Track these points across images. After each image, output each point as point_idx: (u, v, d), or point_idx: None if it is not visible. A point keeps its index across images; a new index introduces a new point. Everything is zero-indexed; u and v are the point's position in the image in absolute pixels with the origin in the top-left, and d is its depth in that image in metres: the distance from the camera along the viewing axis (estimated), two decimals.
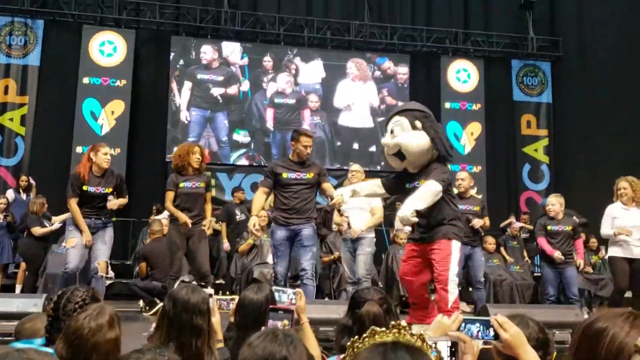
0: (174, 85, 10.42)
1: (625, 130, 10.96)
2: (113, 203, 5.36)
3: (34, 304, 3.47)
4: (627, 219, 5.97)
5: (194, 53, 10.61)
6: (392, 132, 4.52)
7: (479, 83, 11.51)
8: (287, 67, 10.93)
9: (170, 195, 5.53)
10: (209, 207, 5.69)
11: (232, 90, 10.70)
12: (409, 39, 11.45)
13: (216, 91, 10.62)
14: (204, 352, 2.25)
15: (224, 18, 10.66)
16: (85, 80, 10.02)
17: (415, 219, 4.11)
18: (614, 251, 6.04)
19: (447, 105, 11.27)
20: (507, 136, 11.74)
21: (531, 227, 9.47)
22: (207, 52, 10.65)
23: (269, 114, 10.75)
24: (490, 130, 11.50)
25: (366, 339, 0.90)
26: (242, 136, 10.64)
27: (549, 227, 6.43)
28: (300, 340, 1.88)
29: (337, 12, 11.29)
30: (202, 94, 10.56)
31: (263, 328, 2.42)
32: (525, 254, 9.03)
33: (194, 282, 5.28)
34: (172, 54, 10.50)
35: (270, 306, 2.50)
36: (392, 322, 0.91)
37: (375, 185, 4.85)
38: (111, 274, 5.52)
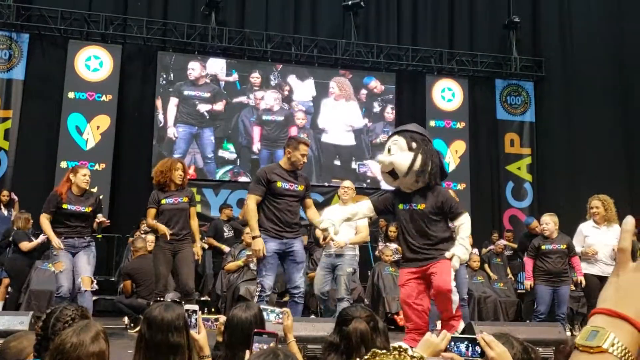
0: (158, 102, 10.43)
1: (607, 149, 11.20)
2: (103, 220, 5.39)
3: (20, 322, 3.45)
4: (597, 237, 6.10)
5: (179, 69, 10.64)
6: (389, 150, 4.59)
7: (464, 102, 11.68)
8: (279, 85, 11.00)
9: (151, 212, 5.49)
10: (195, 223, 5.64)
11: (219, 106, 10.74)
12: (394, 57, 11.60)
13: (202, 107, 10.65)
14: None
15: (211, 35, 10.73)
16: (71, 94, 10.01)
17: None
18: (585, 268, 6.16)
19: (432, 123, 11.40)
20: (491, 154, 11.90)
21: (515, 245, 9.57)
22: (195, 68, 10.70)
23: (256, 131, 10.80)
24: (474, 148, 11.65)
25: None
26: (228, 152, 10.67)
27: (543, 247, 6.41)
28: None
29: (324, 31, 11.42)
30: (189, 110, 10.58)
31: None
32: (508, 270, 9.14)
33: (171, 300, 5.27)
34: (158, 70, 10.53)
35: (255, 330, 2.52)
36: (393, 345, 0.94)
37: (367, 209, 4.82)
38: (95, 286, 5.50)
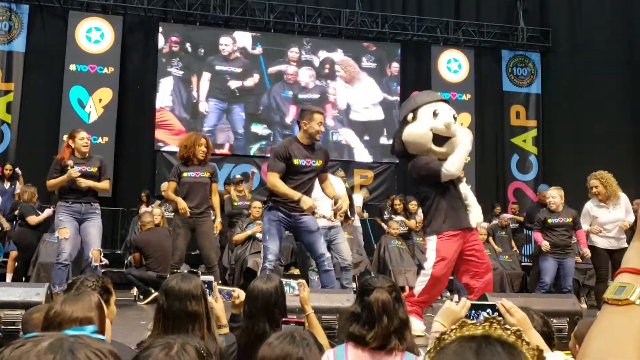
0: (193, 78, 10.43)
1: (613, 121, 11.14)
2: (90, 182, 5.36)
3: (36, 293, 3.51)
4: (607, 217, 6.16)
5: (210, 44, 10.70)
6: (455, 118, 4.74)
7: (469, 73, 11.62)
8: (310, 61, 11.09)
9: (172, 185, 5.60)
10: (216, 199, 5.71)
11: (249, 82, 10.79)
12: (399, 27, 11.51)
13: (233, 84, 10.72)
14: (203, 336, 2.29)
15: (212, 5, 10.63)
16: (72, 67, 9.96)
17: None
18: (594, 241, 6.23)
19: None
20: (496, 127, 11.89)
21: (520, 218, 9.62)
22: (228, 44, 10.76)
23: (292, 110, 10.87)
24: (479, 120, 11.63)
25: (453, 331, 0.86)
26: (261, 129, 10.70)
27: (549, 221, 6.52)
28: (315, 343, 1.98)
29: (328, 0, 11.31)
30: (220, 86, 10.66)
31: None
32: (513, 243, 9.21)
33: (188, 271, 5.34)
34: (160, 41, 10.45)
35: (283, 319, 2.58)
36: (485, 315, 0.93)
37: None
38: (105, 261, 5.56)
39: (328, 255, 4.85)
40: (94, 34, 10.10)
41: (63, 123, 9.71)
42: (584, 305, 6.98)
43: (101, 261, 5.46)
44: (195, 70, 10.60)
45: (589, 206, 6.35)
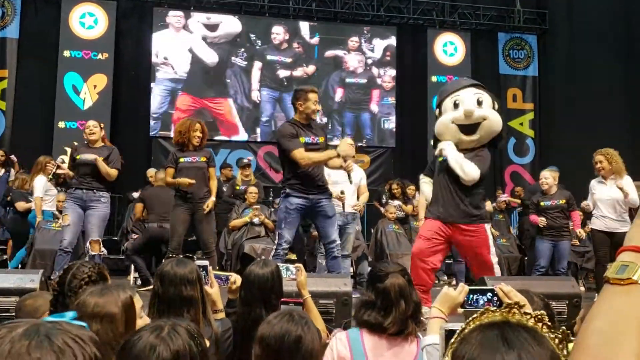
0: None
1: (611, 103, 11.09)
2: (99, 161, 5.37)
3: (30, 280, 3.46)
4: (601, 192, 6.13)
5: (263, 33, 10.79)
6: (480, 102, 4.49)
7: (466, 56, 11.54)
8: (361, 48, 11.24)
9: (170, 171, 5.55)
10: (213, 184, 5.65)
11: (298, 72, 10.91)
12: (395, 10, 11.40)
13: (282, 73, 10.83)
14: (198, 321, 2.27)
15: None
16: (66, 53, 9.85)
17: (443, 154, 4.37)
18: (594, 224, 6.22)
19: (434, 78, 11.29)
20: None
21: (518, 201, 9.58)
22: (279, 32, 10.84)
23: (339, 93, 11.05)
24: None
25: (473, 320, 0.86)
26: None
27: (542, 204, 6.59)
28: (313, 322, 1.97)
29: None
30: (271, 75, 10.78)
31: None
32: (510, 226, 9.19)
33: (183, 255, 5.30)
34: (154, 25, 10.33)
35: (282, 299, 2.55)
36: (507, 301, 0.91)
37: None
38: (104, 251, 5.52)
39: (339, 242, 4.82)
40: (88, 20, 9.98)
41: (58, 109, 9.63)
42: (582, 288, 6.97)
43: (100, 251, 5.42)
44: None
45: (592, 182, 6.32)
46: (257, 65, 10.77)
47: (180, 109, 10.33)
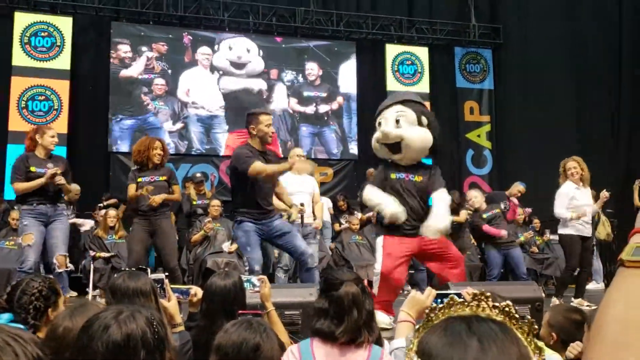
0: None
1: (564, 114, 11.42)
2: (60, 179, 5.09)
3: None
4: (582, 198, 6.22)
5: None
6: (397, 121, 4.42)
7: (424, 70, 11.67)
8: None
9: (131, 187, 5.39)
10: (176, 198, 5.57)
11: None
12: (354, 26, 11.47)
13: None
14: None
15: (165, 3, 10.37)
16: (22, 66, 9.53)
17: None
18: (568, 231, 6.22)
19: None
20: (451, 123, 11.95)
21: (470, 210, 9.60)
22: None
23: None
24: (434, 116, 11.66)
25: (441, 311, 0.84)
26: None
27: (484, 216, 6.79)
28: (272, 330, 1.91)
29: None
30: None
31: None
32: (471, 236, 9.24)
33: (136, 268, 5.13)
34: (112, 40, 10.14)
35: (239, 311, 2.47)
36: (474, 291, 0.86)
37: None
38: (70, 266, 5.30)
39: (310, 252, 4.69)
40: (43, 34, 9.71)
41: (12, 122, 9.31)
42: (542, 295, 7.06)
43: (67, 267, 5.21)
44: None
45: (566, 187, 6.26)
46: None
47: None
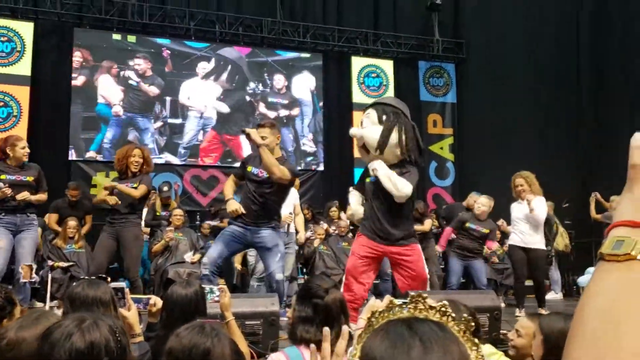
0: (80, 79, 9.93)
1: (525, 126, 11.72)
2: (26, 195, 4.97)
3: None
4: (519, 211, 6.38)
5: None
6: (361, 123, 4.48)
7: (389, 83, 11.82)
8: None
9: (102, 192, 5.41)
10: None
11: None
12: (321, 38, 11.56)
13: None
14: None
15: (130, 11, 10.28)
16: None
17: (374, 172, 4.17)
18: (512, 240, 6.46)
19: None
20: None
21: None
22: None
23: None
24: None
25: (381, 315, 0.85)
26: None
27: (467, 224, 6.76)
28: (227, 335, 1.89)
29: (250, 9, 11.20)
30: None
31: None
32: (435, 247, 9.35)
33: (95, 277, 5.05)
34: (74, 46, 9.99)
35: (198, 319, 2.45)
36: (412, 293, 0.89)
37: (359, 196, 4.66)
38: (35, 277, 5.17)
39: (278, 278, 4.65)
40: (3, 39, 9.51)
41: None
42: (502, 304, 7.17)
43: (31, 277, 5.08)
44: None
45: (513, 205, 6.54)
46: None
47: None
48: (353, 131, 4.50)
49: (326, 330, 1.56)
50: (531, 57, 12.06)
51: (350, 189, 4.79)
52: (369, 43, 11.74)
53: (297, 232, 6.35)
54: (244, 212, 4.58)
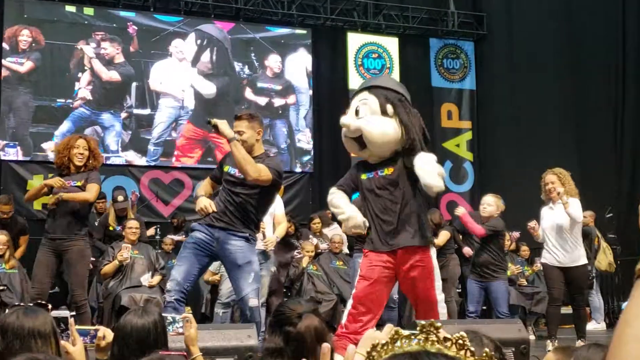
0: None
1: (559, 120, 11.65)
2: None
3: None
4: (548, 219, 6.41)
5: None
6: (357, 112, 4.44)
7: (393, 65, 11.83)
8: None
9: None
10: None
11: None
12: (310, 9, 11.55)
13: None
14: None
15: None
16: None
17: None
18: (544, 258, 6.51)
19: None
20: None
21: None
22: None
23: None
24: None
25: (384, 348, 0.86)
26: None
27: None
28: None
29: None
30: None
31: None
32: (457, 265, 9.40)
33: (34, 304, 5.03)
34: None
35: (160, 352, 2.46)
36: (422, 322, 0.89)
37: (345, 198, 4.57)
38: None
39: (252, 304, 4.58)
40: None
41: None
42: (532, 337, 7.20)
43: None
44: None
45: (543, 209, 6.59)
46: None
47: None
48: (345, 120, 4.46)
49: None
50: (566, 34, 12.03)
51: (333, 189, 4.71)
52: (368, 16, 11.76)
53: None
54: (214, 209, 4.53)
